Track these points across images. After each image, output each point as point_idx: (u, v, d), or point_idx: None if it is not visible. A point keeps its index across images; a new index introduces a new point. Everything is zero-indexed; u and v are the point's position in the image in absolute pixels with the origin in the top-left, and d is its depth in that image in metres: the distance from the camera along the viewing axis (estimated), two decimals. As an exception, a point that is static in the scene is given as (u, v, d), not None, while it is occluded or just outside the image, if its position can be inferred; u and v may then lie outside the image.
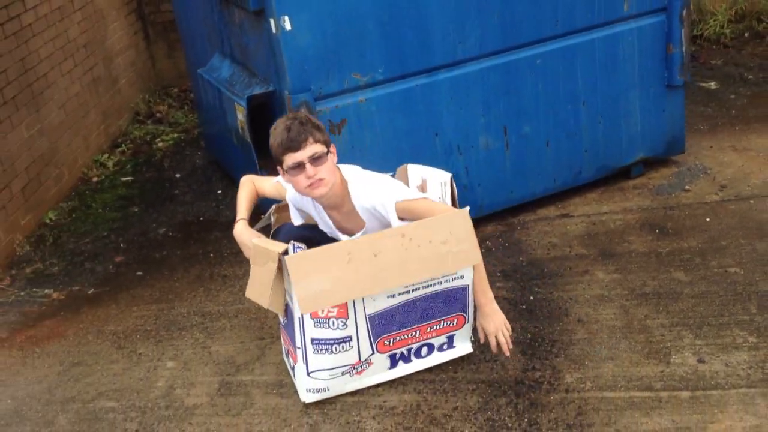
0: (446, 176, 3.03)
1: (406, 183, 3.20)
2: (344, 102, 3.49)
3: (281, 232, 3.04)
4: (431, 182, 3.10)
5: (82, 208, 4.82)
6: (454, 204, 2.99)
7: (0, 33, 4.50)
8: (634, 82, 4.01)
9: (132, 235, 4.44)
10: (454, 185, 3.02)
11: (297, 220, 3.06)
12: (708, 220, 3.75)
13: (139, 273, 4.03)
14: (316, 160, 2.69)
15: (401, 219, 2.75)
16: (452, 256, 2.72)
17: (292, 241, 2.76)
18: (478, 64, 3.71)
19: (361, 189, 2.81)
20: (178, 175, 5.10)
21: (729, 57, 5.66)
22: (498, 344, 2.84)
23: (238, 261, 3.96)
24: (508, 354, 2.86)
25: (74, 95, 5.28)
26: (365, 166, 3.35)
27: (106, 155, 5.46)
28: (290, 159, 2.69)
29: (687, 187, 4.07)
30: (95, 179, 5.18)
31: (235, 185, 4.72)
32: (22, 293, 3.98)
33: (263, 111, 3.58)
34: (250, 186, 3.08)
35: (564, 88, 3.88)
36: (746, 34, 5.97)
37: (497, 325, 2.83)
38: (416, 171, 3.18)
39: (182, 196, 4.82)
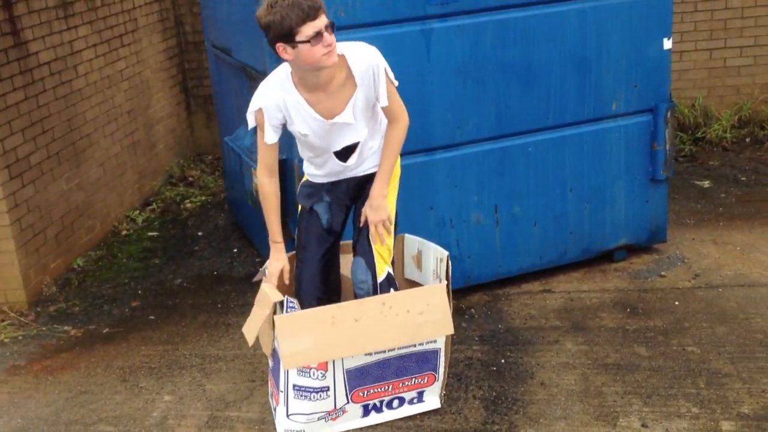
0: (443, 253, 3.23)
1: (402, 252, 3.52)
2: (346, 173, 3.86)
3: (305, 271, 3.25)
4: (426, 255, 3.37)
5: (108, 257, 5.24)
6: (448, 280, 3.16)
7: (52, 95, 5.01)
8: (620, 173, 4.32)
9: (150, 284, 4.82)
10: (450, 263, 3.21)
11: (272, 137, 3.02)
12: (677, 303, 4.00)
13: (152, 317, 4.39)
14: (328, 27, 2.75)
15: (379, 103, 2.97)
16: (428, 325, 3.03)
17: (286, 296, 3.09)
18: (475, 148, 4.06)
19: (357, 51, 2.92)
20: (200, 233, 5.51)
21: (727, 159, 5.97)
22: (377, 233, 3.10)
23: (242, 312, 4.30)
24: (380, 243, 3.12)
25: (114, 155, 5.77)
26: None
27: (137, 212, 5.90)
28: (310, 28, 2.70)
29: (663, 273, 4.33)
30: (124, 232, 5.61)
31: (251, 245, 5.13)
32: (44, 328, 4.35)
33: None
34: (270, 186, 3.10)
35: (553, 174, 4.21)
36: (747, 140, 6.28)
37: (381, 218, 3.10)
38: (413, 241, 3.48)
39: (201, 252, 5.21)
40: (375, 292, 3.15)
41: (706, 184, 5.53)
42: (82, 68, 5.39)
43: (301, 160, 3.73)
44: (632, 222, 4.42)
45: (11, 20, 4.63)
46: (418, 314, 3.01)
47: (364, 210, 3.15)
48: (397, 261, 3.45)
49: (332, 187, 3.24)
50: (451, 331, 3.05)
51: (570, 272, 4.40)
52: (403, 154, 3.98)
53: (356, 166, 3.18)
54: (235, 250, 5.20)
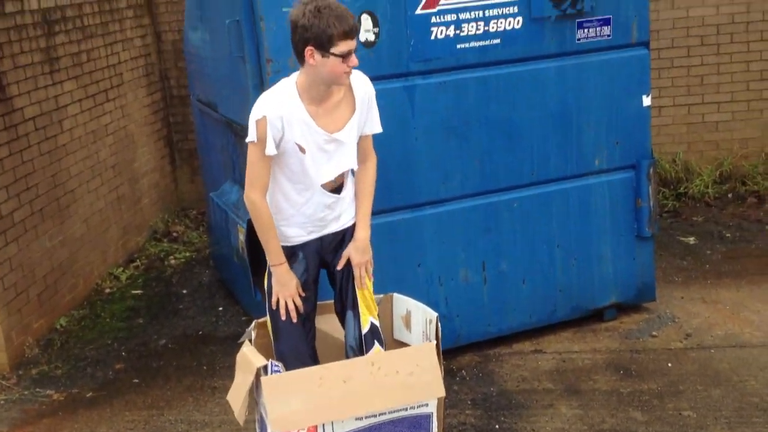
0: (433, 315, 3.16)
1: (391, 312, 3.47)
2: (332, 230, 3.83)
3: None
4: (416, 315, 3.30)
5: (91, 316, 5.14)
6: (438, 342, 3.07)
7: (36, 151, 4.98)
8: (606, 229, 4.33)
9: (134, 345, 4.72)
10: (439, 324, 3.13)
11: (273, 149, 2.89)
12: (670, 365, 3.97)
13: (136, 380, 4.29)
14: (354, 50, 2.83)
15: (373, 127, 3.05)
16: (418, 387, 2.95)
17: (270, 360, 3.02)
18: (461, 204, 4.07)
19: (358, 75, 3.00)
20: (184, 291, 5.43)
21: (710, 215, 6.00)
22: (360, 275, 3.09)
23: (228, 375, 4.19)
24: (363, 287, 3.10)
25: (98, 211, 5.72)
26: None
27: (121, 269, 5.82)
28: (346, 46, 2.77)
29: (654, 333, 4.31)
30: (107, 290, 5.52)
31: (237, 303, 5.06)
32: (26, 392, 4.24)
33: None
34: (265, 206, 2.98)
35: (540, 230, 4.21)
36: (729, 195, 6.33)
37: (366, 259, 3.10)
38: (402, 302, 3.41)
39: (186, 311, 5.13)
40: (360, 346, 3.10)
41: (692, 240, 5.56)
42: (68, 123, 5.37)
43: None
44: (621, 280, 4.41)
45: (-4, 76, 4.61)
46: (408, 375, 2.94)
47: (346, 251, 3.11)
48: (386, 321, 3.41)
49: (306, 245, 3.12)
50: (442, 393, 2.98)
51: (560, 332, 4.36)
52: (390, 210, 4.02)
53: (339, 212, 3.09)
54: (221, 309, 5.12)
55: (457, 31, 3.86)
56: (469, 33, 3.88)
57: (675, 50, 6.40)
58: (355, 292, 3.15)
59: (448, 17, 3.84)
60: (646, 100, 4.27)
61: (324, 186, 3.01)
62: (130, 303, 5.32)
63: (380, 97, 3.78)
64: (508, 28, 3.93)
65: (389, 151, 3.90)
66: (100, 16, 5.94)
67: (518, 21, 3.93)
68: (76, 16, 5.57)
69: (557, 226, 4.23)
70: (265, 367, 2.98)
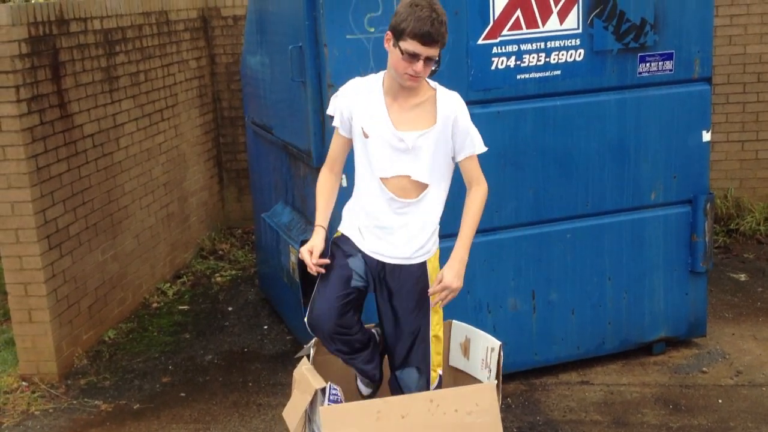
0: (495, 343, 3.11)
1: (448, 337, 3.45)
2: (386, 254, 3.85)
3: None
4: (476, 343, 3.26)
5: (139, 329, 5.21)
6: (498, 371, 3.06)
7: (93, 167, 5.09)
8: (659, 264, 4.30)
9: (180, 359, 4.78)
10: (502, 353, 3.07)
11: (338, 122, 3.00)
12: (720, 401, 3.91)
13: (182, 394, 4.34)
14: (429, 60, 2.77)
15: (455, 157, 2.95)
16: (476, 426, 2.92)
17: (329, 383, 3.00)
18: (513, 233, 4.07)
19: (450, 93, 2.94)
20: (230, 309, 5.49)
21: (762, 252, 5.93)
22: (441, 298, 2.94)
23: (274, 392, 4.25)
24: (436, 306, 2.97)
25: (148, 227, 5.81)
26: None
27: (168, 284, 5.90)
28: (413, 47, 2.73)
29: (704, 368, 4.25)
30: (155, 305, 5.60)
31: (282, 322, 5.10)
32: (75, 402, 4.30)
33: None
34: (324, 177, 3.08)
35: (591, 262, 4.19)
36: (781, 233, 6.25)
37: (457, 287, 2.91)
38: (461, 329, 3.36)
39: (231, 328, 5.17)
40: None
41: (743, 277, 5.48)
42: (124, 141, 5.48)
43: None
44: (672, 314, 4.36)
45: (59, 93, 4.74)
46: (466, 414, 2.92)
47: (442, 271, 2.94)
48: (443, 347, 3.40)
49: (367, 258, 3.01)
50: (500, 435, 2.95)
51: (608, 364, 4.32)
52: (442, 237, 4.02)
53: (402, 226, 2.97)
54: (266, 327, 5.16)
55: (518, 62, 3.89)
56: (530, 64, 3.91)
57: (731, 86, 6.38)
58: (426, 346, 3.04)
59: (510, 48, 3.87)
60: (706, 136, 4.26)
61: (384, 182, 2.93)
62: (177, 318, 5.39)
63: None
64: (569, 60, 3.95)
65: (443, 177, 3.94)
66: (158, 38, 6.08)
67: (580, 53, 3.96)
68: (135, 37, 5.71)
69: (609, 259, 4.21)
70: (323, 390, 2.99)
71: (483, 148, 3.02)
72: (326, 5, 3.66)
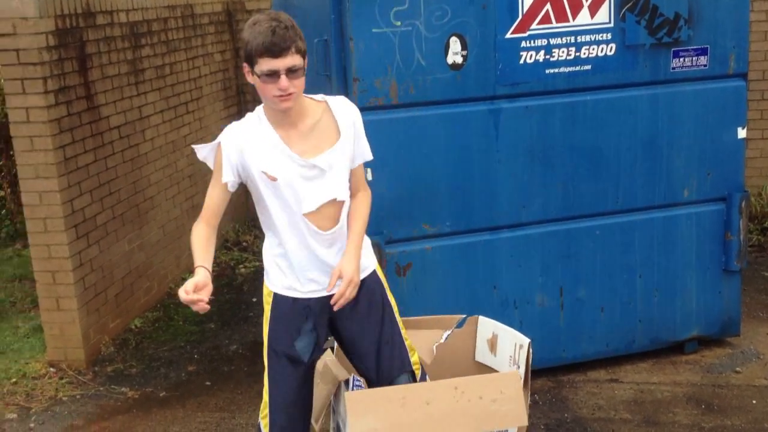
0: (524, 340, 3.05)
1: (474, 333, 3.41)
2: (411, 248, 3.83)
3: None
4: (503, 339, 3.22)
5: (165, 318, 5.23)
6: (527, 368, 3.00)
7: (120, 158, 5.10)
8: (691, 262, 4.22)
9: (206, 348, 4.78)
10: (531, 350, 2.99)
11: (228, 176, 2.69)
12: (754, 402, 3.84)
13: (208, 383, 4.34)
14: (292, 72, 2.46)
15: (351, 164, 2.68)
16: (500, 414, 2.89)
17: (352, 375, 3.01)
18: (540, 228, 4.02)
19: (340, 100, 2.69)
20: (254, 299, 5.48)
21: (795, 251, 5.83)
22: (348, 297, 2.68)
23: (299, 385, 4.23)
24: (338, 306, 2.68)
25: (174, 218, 5.82)
26: (426, 309, 3.62)
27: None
28: (266, 64, 2.43)
29: (738, 368, 4.18)
30: (180, 295, 5.61)
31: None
32: (102, 388, 4.32)
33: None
34: (199, 228, 2.75)
35: (621, 259, 4.12)
36: (817, 231, 6.14)
37: (356, 282, 2.67)
38: (488, 324, 3.31)
39: (256, 318, 5.17)
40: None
41: (777, 276, 5.40)
42: (149, 133, 5.49)
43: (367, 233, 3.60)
44: (704, 313, 4.29)
45: (86, 85, 4.75)
46: (491, 402, 2.90)
47: (340, 265, 2.68)
48: (469, 343, 3.37)
49: (313, 304, 2.75)
50: (525, 423, 2.92)
51: (637, 362, 4.26)
52: (467, 231, 4.00)
53: (336, 257, 2.72)
54: (291, 320, 5.15)
55: (547, 56, 3.84)
56: (560, 58, 3.86)
57: (766, 83, 6.27)
58: (403, 353, 2.90)
59: (539, 42, 3.82)
60: (741, 132, 4.17)
61: (309, 216, 2.65)
62: (202, 309, 5.39)
63: (465, 119, 3.83)
64: (600, 54, 3.89)
65: (470, 172, 3.90)
66: (183, 31, 6.08)
67: (611, 48, 3.89)
68: (161, 30, 5.72)
69: (640, 256, 4.14)
70: (347, 381, 2.98)
71: (371, 156, 2.79)
72: (352, -2, 3.62)
